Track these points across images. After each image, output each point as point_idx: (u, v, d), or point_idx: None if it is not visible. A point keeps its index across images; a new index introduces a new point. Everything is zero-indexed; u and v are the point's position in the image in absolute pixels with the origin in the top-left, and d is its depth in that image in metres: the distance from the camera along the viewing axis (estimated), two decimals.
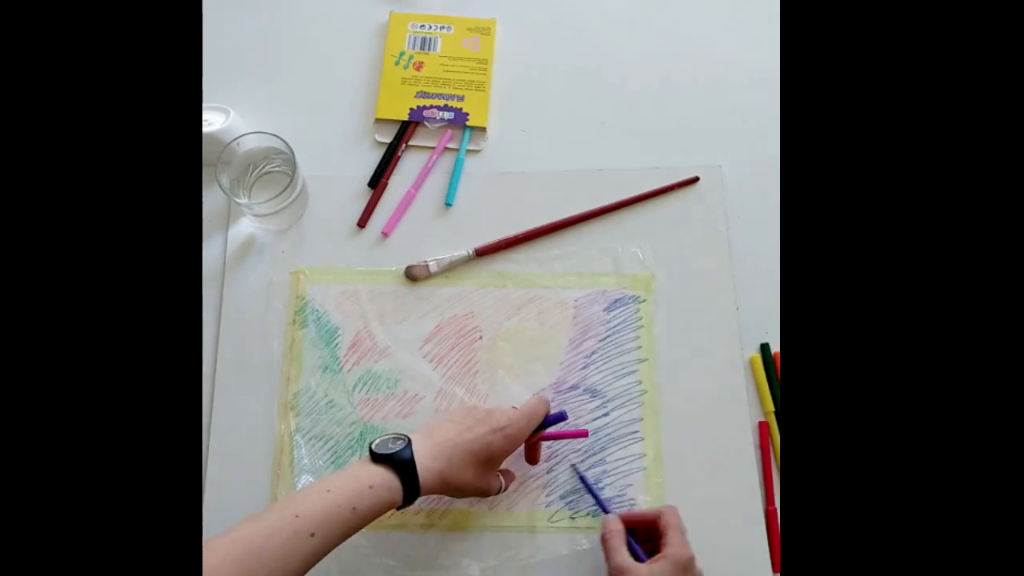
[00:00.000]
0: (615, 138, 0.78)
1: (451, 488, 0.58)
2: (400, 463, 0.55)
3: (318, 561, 0.51)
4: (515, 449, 0.61)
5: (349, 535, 0.53)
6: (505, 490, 0.64)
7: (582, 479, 0.67)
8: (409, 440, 0.57)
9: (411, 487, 0.54)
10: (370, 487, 0.53)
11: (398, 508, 0.55)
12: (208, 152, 0.71)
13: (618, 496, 0.67)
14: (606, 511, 0.64)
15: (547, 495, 0.67)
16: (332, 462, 0.68)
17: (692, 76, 0.81)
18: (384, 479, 0.54)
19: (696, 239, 0.74)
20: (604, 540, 0.59)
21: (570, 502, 0.67)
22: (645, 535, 0.61)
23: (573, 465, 0.67)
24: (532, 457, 0.66)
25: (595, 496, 0.66)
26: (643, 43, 0.82)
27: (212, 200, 0.75)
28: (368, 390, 0.70)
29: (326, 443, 0.68)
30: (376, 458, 0.55)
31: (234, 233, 0.74)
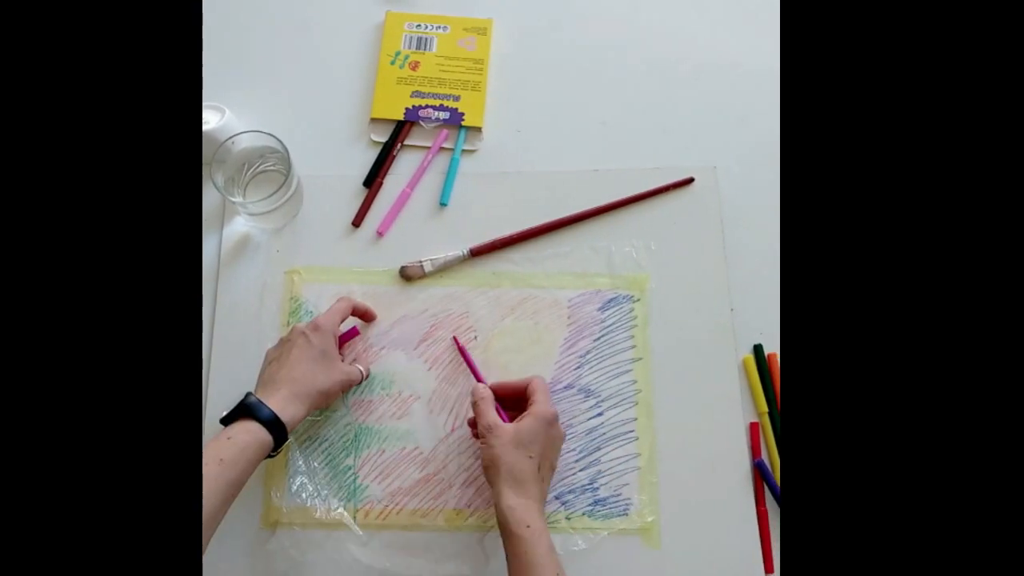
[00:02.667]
0: (610, 139, 0.78)
1: (313, 395, 0.62)
2: (245, 407, 0.59)
3: (210, 522, 0.54)
4: (335, 336, 0.66)
5: (229, 488, 0.56)
6: (367, 375, 0.69)
7: (460, 350, 0.70)
8: (251, 392, 0.62)
9: (267, 421, 0.58)
10: (228, 438, 0.57)
11: (275, 447, 0.59)
12: (203, 151, 0.70)
13: (613, 496, 0.67)
14: (479, 380, 0.67)
15: None
16: (327, 464, 0.68)
17: (687, 78, 0.81)
18: (240, 426, 0.58)
19: (691, 240, 0.74)
20: (474, 405, 0.63)
21: (565, 503, 0.67)
22: (514, 405, 0.64)
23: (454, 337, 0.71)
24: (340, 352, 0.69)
25: (470, 365, 0.69)
26: (638, 44, 0.82)
27: (207, 199, 0.74)
28: (362, 391, 0.70)
29: (320, 445, 0.68)
30: (232, 417, 0.60)
31: (228, 232, 0.74)
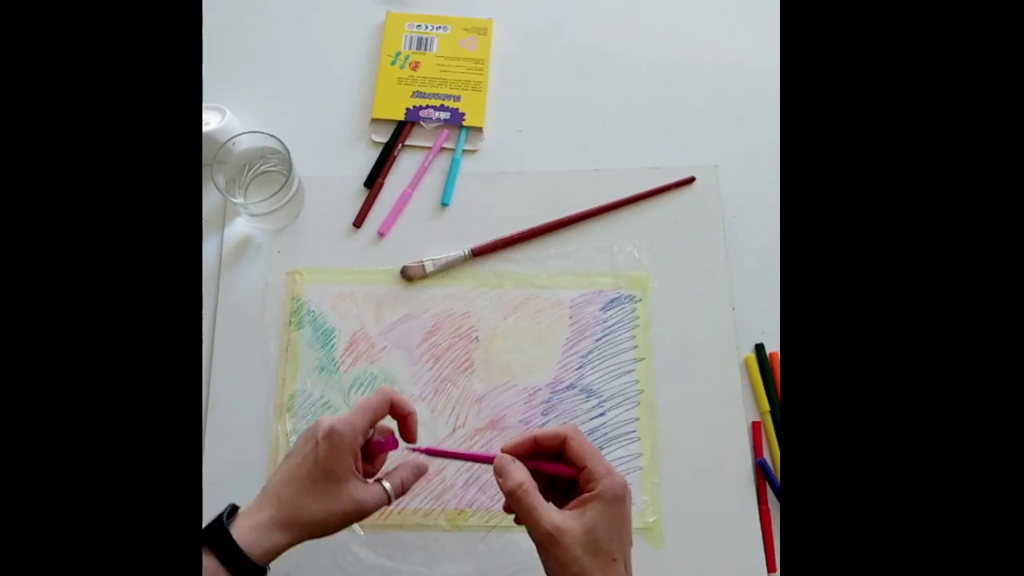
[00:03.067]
0: (611, 138, 0.78)
1: (305, 529, 0.47)
2: (213, 538, 0.45)
3: None
4: (352, 449, 0.49)
5: None
6: (404, 491, 0.52)
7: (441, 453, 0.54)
8: (236, 507, 0.48)
9: (235, 562, 0.44)
10: None
11: None
12: (204, 152, 0.71)
13: None
14: (489, 460, 0.48)
15: None
16: None
17: (688, 77, 0.81)
18: (207, 566, 0.44)
19: (692, 239, 0.74)
20: (515, 498, 0.44)
21: None
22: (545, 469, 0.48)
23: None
24: (371, 461, 0.53)
25: (467, 457, 0.55)
26: (640, 44, 0.82)
27: (208, 200, 0.74)
28: (364, 391, 0.70)
29: None
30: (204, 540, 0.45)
31: (230, 233, 0.74)
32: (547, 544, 0.43)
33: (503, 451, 0.48)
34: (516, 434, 0.49)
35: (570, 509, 0.44)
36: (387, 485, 0.50)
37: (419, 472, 0.53)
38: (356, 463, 0.49)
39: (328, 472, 0.47)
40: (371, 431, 0.52)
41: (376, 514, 0.59)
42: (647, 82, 0.81)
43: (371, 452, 0.53)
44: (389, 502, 0.51)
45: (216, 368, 0.70)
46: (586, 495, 0.44)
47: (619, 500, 0.44)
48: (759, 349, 0.71)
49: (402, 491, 0.51)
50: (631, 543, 0.46)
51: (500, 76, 0.81)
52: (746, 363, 0.71)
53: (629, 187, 0.75)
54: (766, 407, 0.69)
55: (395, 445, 0.54)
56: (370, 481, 0.51)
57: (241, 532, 0.45)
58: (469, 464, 0.67)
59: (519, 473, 0.46)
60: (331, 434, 0.48)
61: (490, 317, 0.72)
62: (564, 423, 0.53)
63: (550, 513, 0.44)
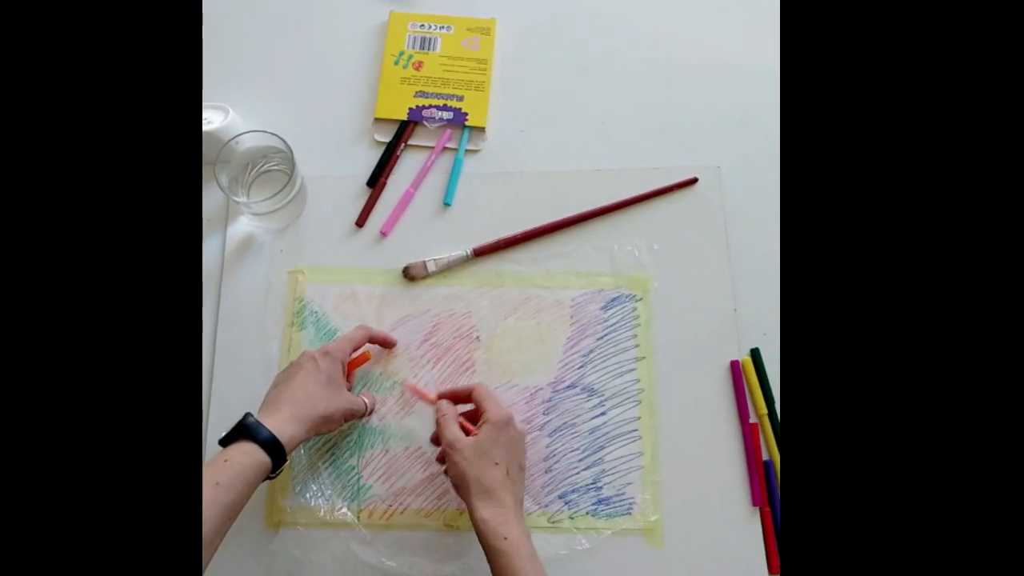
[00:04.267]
0: (614, 139, 0.78)
1: (314, 419, 0.60)
2: (243, 427, 0.57)
3: (207, 547, 0.52)
4: (344, 363, 0.65)
5: (227, 511, 0.53)
6: (372, 411, 0.68)
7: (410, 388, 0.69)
8: (250, 413, 0.60)
9: (264, 442, 0.56)
10: (225, 460, 0.55)
11: (274, 470, 0.57)
12: (207, 151, 0.71)
13: (616, 495, 0.67)
14: (431, 401, 0.66)
15: (546, 495, 0.67)
16: (331, 464, 0.68)
17: (691, 78, 0.81)
18: (237, 447, 0.56)
19: (694, 240, 0.74)
20: (438, 422, 0.62)
21: (569, 502, 0.67)
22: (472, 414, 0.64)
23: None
24: (348, 377, 0.68)
25: (417, 392, 0.67)
26: (642, 44, 0.82)
27: (210, 199, 0.75)
28: (366, 391, 0.70)
29: (324, 445, 0.68)
30: (230, 438, 0.58)
31: (232, 232, 0.74)
32: (449, 451, 0.59)
33: (439, 396, 0.65)
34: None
35: (470, 434, 0.60)
36: (365, 399, 0.67)
37: (375, 400, 0.70)
38: (344, 376, 0.65)
39: (331, 379, 0.63)
40: (352, 354, 0.67)
41: (377, 514, 0.67)
42: (649, 83, 0.81)
43: (349, 368, 0.68)
44: (369, 413, 0.68)
45: (218, 368, 0.70)
46: (480, 423, 0.61)
47: (502, 424, 0.60)
48: (755, 353, 0.71)
49: (373, 408, 0.68)
50: (520, 459, 0.61)
51: (503, 76, 0.81)
52: (743, 366, 0.70)
53: (631, 187, 0.75)
54: (764, 410, 0.69)
55: (369, 357, 0.69)
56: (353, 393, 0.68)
57: (269, 426, 0.57)
58: None
59: (447, 408, 0.63)
60: (328, 353, 0.63)
61: (491, 317, 0.72)
62: (479, 383, 0.65)
63: (456, 432, 0.60)
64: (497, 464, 0.58)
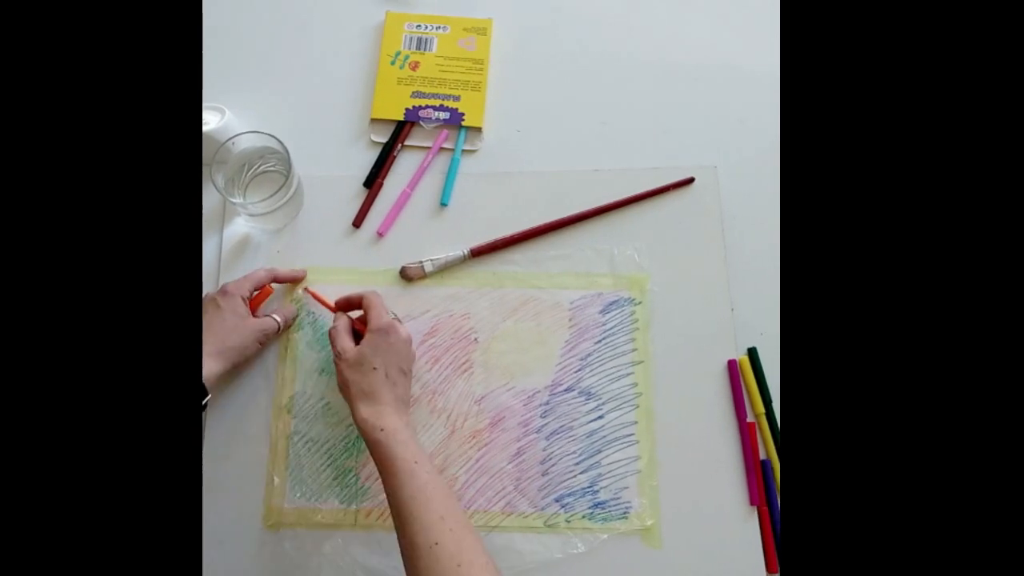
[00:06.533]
0: (611, 139, 0.78)
1: (226, 352, 0.65)
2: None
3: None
4: (243, 297, 0.67)
5: None
6: (283, 325, 0.70)
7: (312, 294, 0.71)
8: None
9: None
10: None
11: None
12: (203, 151, 0.70)
13: (613, 499, 0.67)
14: (333, 310, 0.69)
15: (542, 498, 0.67)
16: (328, 464, 0.68)
17: (688, 77, 0.80)
18: None
19: (691, 240, 0.74)
20: (330, 334, 0.66)
21: (565, 505, 0.67)
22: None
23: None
24: (255, 313, 0.70)
25: (320, 300, 0.70)
26: (639, 44, 0.82)
27: (207, 199, 0.74)
28: (278, 308, 0.70)
29: (322, 446, 0.68)
30: None
31: (229, 233, 0.74)
32: (336, 360, 0.64)
33: (336, 304, 0.69)
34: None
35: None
36: (276, 317, 0.70)
37: (294, 311, 0.72)
38: (248, 308, 0.68)
39: (233, 312, 0.67)
40: (254, 291, 0.69)
41: (377, 515, 0.67)
42: (647, 82, 0.80)
43: (253, 305, 0.70)
44: (279, 329, 0.70)
45: None
46: (365, 333, 0.64)
47: (383, 331, 0.63)
48: (752, 352, 0.71)
49: (285, 321, 0.71)
50: (400, 363, 0.64)
51: (500, 76, 0.80)
52: (740, 366, 0.70)
53: (628, 187, 0.75)
54: (761, 409, 0.69)
55: (270, 291, 0.72)
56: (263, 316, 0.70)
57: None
58: (468, 466, 0.68)
59: (339, 320, 0.66)
60: (226, 292, 0.67)
61: (490, 318, 0.72)
62: (372, 290, 0.68)
63: (344, 344, 0.64)
64: (375, 369, 0.62)
